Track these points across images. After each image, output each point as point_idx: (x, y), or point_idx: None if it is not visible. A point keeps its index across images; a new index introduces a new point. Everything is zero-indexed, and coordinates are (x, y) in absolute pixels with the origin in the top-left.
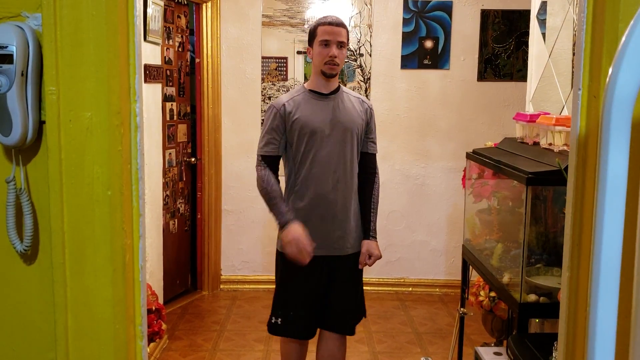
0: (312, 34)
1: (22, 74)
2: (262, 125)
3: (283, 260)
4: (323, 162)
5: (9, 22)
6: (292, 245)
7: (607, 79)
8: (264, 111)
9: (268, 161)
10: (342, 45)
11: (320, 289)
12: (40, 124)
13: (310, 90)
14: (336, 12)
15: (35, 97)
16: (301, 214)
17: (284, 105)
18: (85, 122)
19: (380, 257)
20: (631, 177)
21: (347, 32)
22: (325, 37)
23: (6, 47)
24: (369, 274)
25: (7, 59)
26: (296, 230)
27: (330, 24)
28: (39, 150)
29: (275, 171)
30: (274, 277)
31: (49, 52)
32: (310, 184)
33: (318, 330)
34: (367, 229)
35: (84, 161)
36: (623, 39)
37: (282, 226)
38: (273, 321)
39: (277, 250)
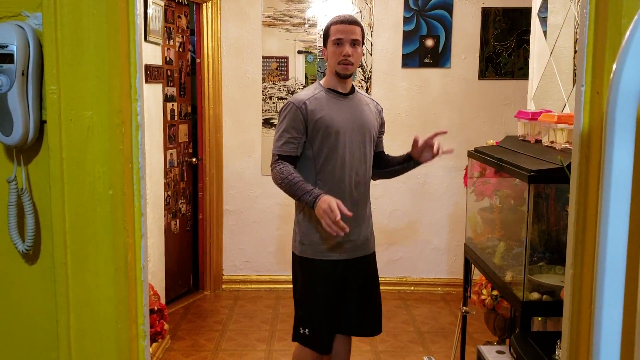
0: (326, 34)
1: (23, 74)
2: (279, 122)
3: (302, 266)
4: (347, 163)
5: (10, 21)
6: (325, 217)
7: (612, 75)
8: (264, 110)
9: (286, 161)
10: (355, 43)
11: (341, 295)
12: (41, 124)
13: (329, 89)
14: (337, 11)
15: (36, 96)
16: (319, 221)
17: (305, 103)
18: (87, 121)
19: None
20: (636, 173)
21: (362, 30)
22: (338, 35)
23: (7, 46)
24: None
25: (8, 58)
26: (325, 200)
27: (342, 22)
28: (40, 149)
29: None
30: (275, 277)
31: (50, 51)
32: (334, 185)
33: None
34: (404, 155)
35: (85, 160)
36: (627, 34)
37: (314, 203)
38: (301, 332)
39: (294, 255)
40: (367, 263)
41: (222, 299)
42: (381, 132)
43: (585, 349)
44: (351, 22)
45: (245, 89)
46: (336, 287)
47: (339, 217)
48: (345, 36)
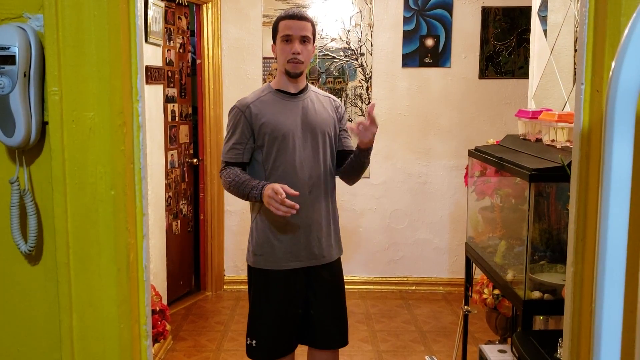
0: (274, 30)
1: (25, 75)
2: (226, 127)
3: (255, 277)
4: (297, 167)
5: (11, 23)
6: (272, 202)
7: (611, 72)
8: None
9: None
10: (306, 40)
11: (300, 305)
12: (43, 125)
13: (278, 90)
14: (337, 11)
15: (37, 97)
16: (275, 223)
17: (249, 106)
18: (88, 122)
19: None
20: (636, 170)
21: (313, 25)
22: (287, 32)
23: (8, 48)
24: (372, 272)
25: (10, 60)
26: (268, 187)
27: (291, 17)
28: (42, 150)
29: None
30: None
31: (51, 52)
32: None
33: (307, 348)
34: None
35: (87, 161)
36: (626, 31)
37: (261, 194)
38: (248, 343)
39: (248, 266)
40: (330, 271)
41: (224, 300)
42: (343, 129)
43: (586, 346)
44: (301, 17)
45: (245, 89)
46: (295, 298)
47: (284, 195)
48: (294, 32)
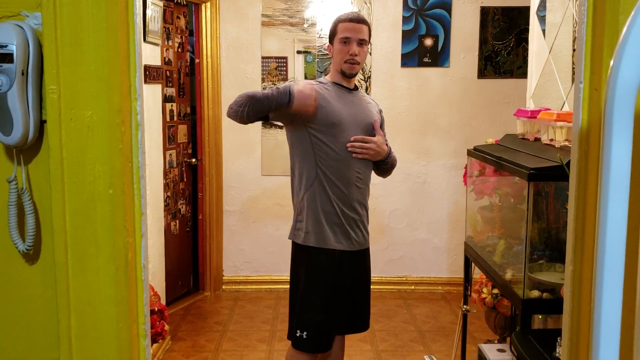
0: (333, 31)
1: (23, 73)
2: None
3: (309, 256)
4: (347, 155)
5: (9, 21)
6: (306, 100)
7: (609, 71)
8: None
9: None
10: (363, 42)
11: (340, 292)
12: (41, 123)
13: (335, 83)
14: (335, 10)
15: (36, 96)
16: (322, 209)
17: (315, 86)
18: (86, 121)
19: (380, 148)
20: (635, 168)
21: (370, 28)
22: (346, 34)
23: (6, 46)
24: (371, 272)
25: (7, 58)
26: (300, 82)
27: (350, 20)
28: (40, 149)
29: None
30: (276, 277)
31: (49, 51)
32: (335, 177)
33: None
34: None
35: (85, 160)
36: (624, 30)
37: (289, 94)
38: (298, 335)
39: (295, 245)
40: (365, 257)
41: (223, 300)
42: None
43: (585, 345)
44: (359, 20)
45: (244, 89)
46: (336, 283)
47: (314, 96)
48: (353, 35)
